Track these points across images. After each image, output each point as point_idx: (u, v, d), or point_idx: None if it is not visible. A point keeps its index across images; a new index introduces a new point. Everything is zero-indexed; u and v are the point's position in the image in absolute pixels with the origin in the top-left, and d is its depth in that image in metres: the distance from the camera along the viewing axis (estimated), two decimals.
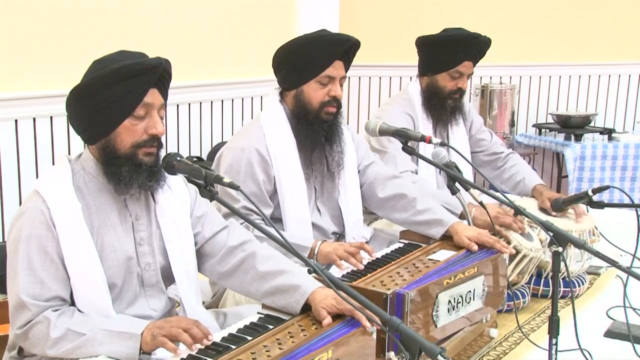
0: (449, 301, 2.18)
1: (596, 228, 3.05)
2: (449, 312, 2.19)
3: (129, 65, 1.80)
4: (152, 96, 1.85)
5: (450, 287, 2.18)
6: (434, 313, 2.13)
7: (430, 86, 3.22)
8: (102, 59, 1.86)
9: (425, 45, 3.25)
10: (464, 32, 3.20)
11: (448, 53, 3.16)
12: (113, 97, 1.80)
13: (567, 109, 5.90)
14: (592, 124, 5.53)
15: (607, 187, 2.86)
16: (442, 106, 3.21)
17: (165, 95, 1.92)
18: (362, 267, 2.34)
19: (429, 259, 2.36)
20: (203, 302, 2.13)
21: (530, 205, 3.06)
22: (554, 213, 3.04)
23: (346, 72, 2.64)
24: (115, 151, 1.85)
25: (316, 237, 2.59)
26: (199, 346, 1.70)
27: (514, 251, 2.53)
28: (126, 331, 1.73)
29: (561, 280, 2.80)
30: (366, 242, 2.85)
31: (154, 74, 1.83)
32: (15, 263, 1.80)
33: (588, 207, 3.05)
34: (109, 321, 1.79)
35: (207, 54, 4.32)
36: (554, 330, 2.10)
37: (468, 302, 2.27)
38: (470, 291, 2.27)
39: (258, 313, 1.98)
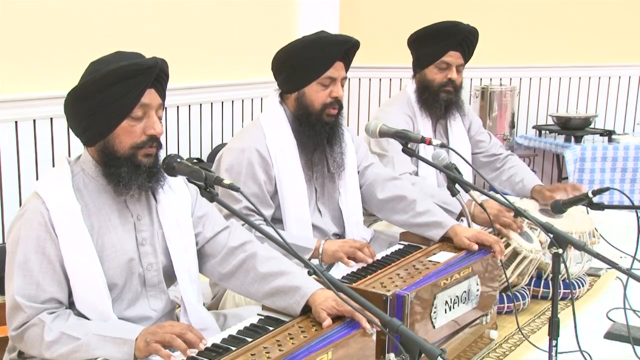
0: (446, 302, 2.19)
1: (596, 230, 3.05)
2: (446, 312, 2.20)
3: (125, 66, 1.80)
4: (150, 96, 1.85)
5: (447, 288, 2.19)
6: (432, 314, 2.13)
7: (422, 81, 3.24)
8: (99, 60, 1.86)
9: (412, 42, 3.28)
10: (443, 22, 3.22)
11: (431, 45, 3.17)
12: (110, 99, 1.80)
13: (567, 110, 5.90)
14: (592, 126, 5.53)
15: (607, 189, 2.86)
16: (435, 100, 3.20)
17: (163, 95, 1.92)
18: (370, 260, 2.36)
19: (429, 261, 2.36)
20: (203, 304, 2.13)
21: (529, 206, 3.06)
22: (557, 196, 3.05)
23: (346, 72, 2.64)
24: (114, 152, 1.85)
25: (320, 238, 2.59)
26: (194, 351, 1.69)
27: (503, 258, 2.53)
28: (120, 337, 1.72)
29: (561, 282, 2.80)
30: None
31: (150, 74, 1.83)
32: (13, 264, 1.80)
33: (588, 208, 3.05)
34: (104, 326, 1.78)
35: (208, 56, 4.33)
36: (554, 331, 2.10)
37: (463, 302, 2.28)
38: (465, 291, 2.28)
39: (258, 314, 1.98)
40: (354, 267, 2.37)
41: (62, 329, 1.75)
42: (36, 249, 1.79)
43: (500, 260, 2.49)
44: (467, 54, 3.23)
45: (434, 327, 2.14)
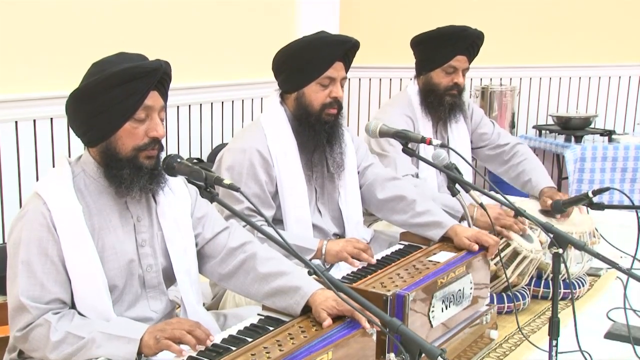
0: (443, 300, 2.20)
1: (596, 230, 3.05)
2: (442, 311, 2.20)
3: (128, 68, 1.79)
4: (153, 99, 1.85)
5: (444, 287, 2.20)
6: (430, 313, 2.13)
7: (427, 84, 3.23)
8: (101, 61, 1.85)
9: (418, 44, 3.26)
10: (452, 26, 3.21)
11: (439, 49, 3.17)
12: (113, 101, 1.80)
13: (567, 110, 5.90)
14: (592, 126, 5.53)
15: (607, 189, 2.86)
16: (440, 103, 3.21)
17: (165, 98, 1.92)
18: (374, 261, 2.37)
19: (429, 261, 2.36)
20: (203, 304, 2.13)
21: (530, 206, 3.06)
22: (558, 216, 3.03)
23: (346, 72, 2.64)
24: (116, 154, 1.85)
25: (322, 238, 2.59)
26: (201, 347, 1.70)
27: (493, 266, 2.53)
28: (125, 335, 1.72)
29: (561, 282, 2.80)
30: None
31: (154, 77, 1.82)
32: (15, 265, 1.79)
33: (588, 208, 3.05)
34: (109, 324, 1.78)
35: (208, 56, 4.33)
36: (554, 331, 2.10)
37: (458, 301, 2.28)
38: (460, 290, 2.29)
39: (258, 314, 1.98)
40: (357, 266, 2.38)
41: (68, 328, 1.75)
42: (39, 250, 1.79)
43: (501, 260, 2.50)
44: (472, 58, 3.24)
45: (431, 326, 2.15)
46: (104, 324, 1.78)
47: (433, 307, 2.15)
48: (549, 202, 3.04)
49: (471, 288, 2.36)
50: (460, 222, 2.79)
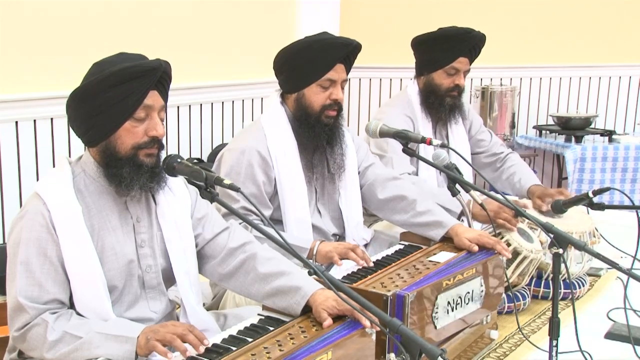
0: (448, 302, 2.18)
1: (597, 230, 3.05)
2: (448, 313, 2.19)
3: (128, 67, 1.80)
4: (152, 98, 1.85)
5: (450, 289, 2.18)
6: (433, 314, 2.13)
7: (428, 85, 3.23)
8: (102, 61, 1.86)
9: (420, 44, 3.26)
10: (456, 28, 3.21)
11: (442, 50, 3.17)
12: (113, 100, 1.80)
13: (568, 110, 5.90)
14: (592, 126, 5.53)
15: (608, 189, 2.86)
16: (440, 104, 3.22)
17: (165, 97, 1.92)
18: (362, 262, 2.34)
19: (430, 261, 2.36)
20: (204, 304, 2.13)
21: (530, 206, 3.06)
22: (544, 208, 3.04)
23: (347, 74, 2.64)
24: (116, 153, 1.85)
25: (316, 239, 2.59)
26: (193, 352, 1.68)
27: (509, 256, 2.52)
28: (122, 335, 1.72)
29: (561, 282, 2.80)
30: (367, 244, 2.85)
31: (153, 76, 1.83)
32: (15, 265, 1.80)
33: (589, 208, 3.05)
34: (106, 324, 1.78)
35: (208, 56, 4.33)
36: (554, 331, 2.10)
37: (467, 304, 2.27)
38: (468, 292, 2.27)
39: (258, 314, 1.98)
40: (353, 267, 2.36)
41: (65, 328, 1.75)
42: (38, 251, 1.79)
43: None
44: (473, 59, 3.25)
45: (435, 327, 2.14)
46: (101, 323, 1.79)
47: (437, 308, 2.14)
48: (538, 202, 3.06)
49: (482, 291, 2.34)
50: (459, 218, 2.80)
